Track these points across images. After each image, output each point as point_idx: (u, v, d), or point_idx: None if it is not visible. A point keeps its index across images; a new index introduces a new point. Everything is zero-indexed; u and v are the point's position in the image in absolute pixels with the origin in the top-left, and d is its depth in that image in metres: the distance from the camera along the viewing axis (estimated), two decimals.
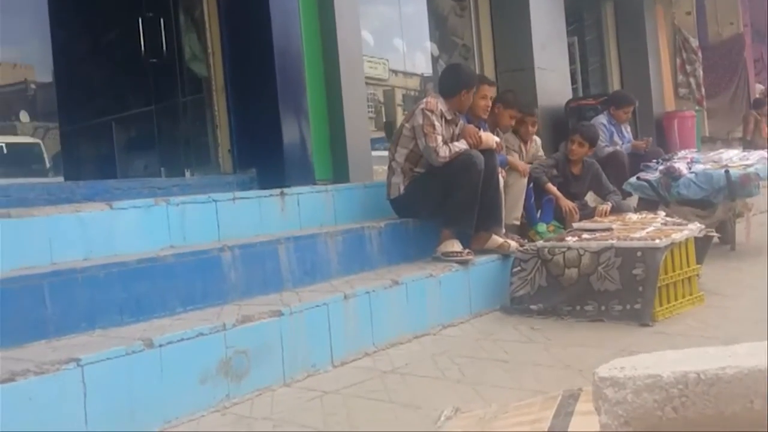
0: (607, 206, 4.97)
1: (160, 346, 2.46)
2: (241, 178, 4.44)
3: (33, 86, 6.34)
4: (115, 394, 2.31)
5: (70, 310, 2.60)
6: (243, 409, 2.59)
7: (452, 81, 4.30)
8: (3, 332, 2.40)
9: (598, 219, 4.64)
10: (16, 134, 6.27)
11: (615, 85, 8.95)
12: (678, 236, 3.74)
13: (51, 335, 2.52)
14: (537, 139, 5.69)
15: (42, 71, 6.05)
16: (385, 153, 5.84)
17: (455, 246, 3.97)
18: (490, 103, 4.73)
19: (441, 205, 4.06)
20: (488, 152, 4.10)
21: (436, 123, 4.05)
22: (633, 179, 5.49)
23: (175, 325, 2.70)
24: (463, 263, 3.89)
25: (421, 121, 4.07)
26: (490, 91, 4.80)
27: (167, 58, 5.12)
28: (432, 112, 4.08)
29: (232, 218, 3.64)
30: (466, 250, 3.96)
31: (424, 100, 4.24)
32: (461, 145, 4.04)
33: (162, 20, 5.10)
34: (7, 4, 4.62)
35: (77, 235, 2.99)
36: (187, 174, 4.71)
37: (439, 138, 4.03)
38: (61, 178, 4.29)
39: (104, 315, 2.69)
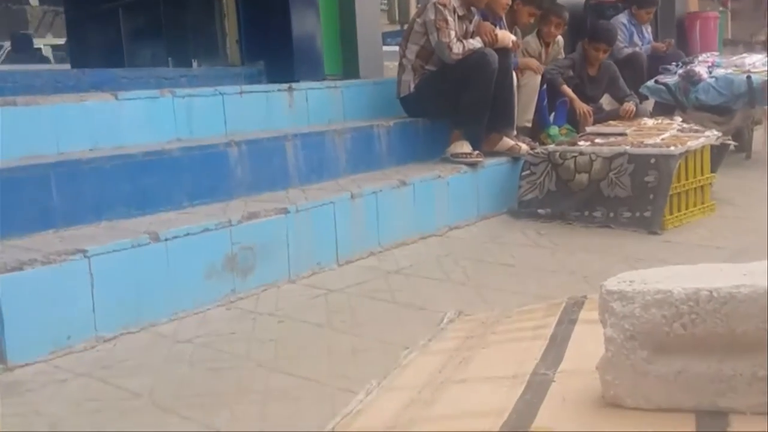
0: (632, 106, 4.84)
1: (166, 240, 2.46)
2: (248, 71, 4.33)
3: None
4: (121, 286, 2.34)
5: (77, 201, 2.59)
6: (248, 304, 2.62)
7: None
8: (11, 221, 2.41)
9: (614, 123, 4.54)
10: (26, 18, 6.10)
11: None
12: (694, 144, 3.67)
13: (58, 225, 2.53)
14: (560, 40, 5.47)
15: None
16: (397, 48, 5.71)
17: (465, 147, 3.91)
18: (509, 1, 4.54)
19: (452, 104, 3.96)
20: (503, 51, 3.97)
21: (449, 18, 3.91)
22: (650, 82, 5.35)
23: (182, 219, 2.70)
24: (473, 165, 3.84)
25: (433, 17, 3.93)
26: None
27: None
28: (445, 6, 3.93)
29: (240, 112, 3.57)
30: (476, 152, 3.90)
31: None
32: (476, 43, 3.90)
33: None
34: None
35: (83, 125, 2.94)
36: (195, 64, 4.60)
37: (452, 33, 3.89)
38: (68, 66, 4.20)
39: (111, 207, 2.68)
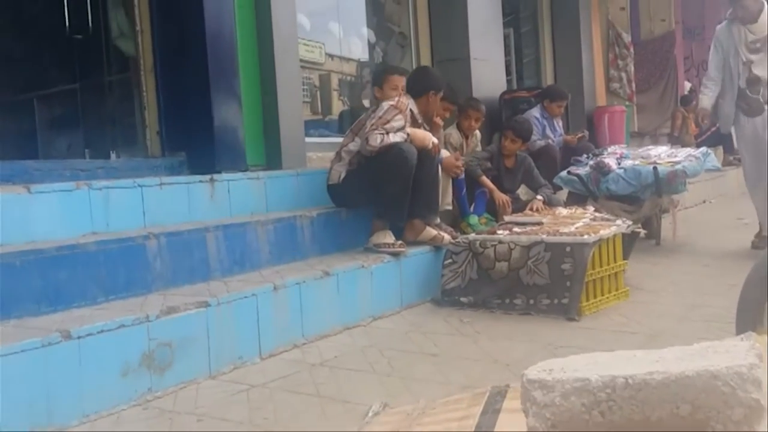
0: (540, 203, 5.02)
1: (79, 337, 2.36)
2: (169, 162, 4.30)
3: None
4: (30, 388, 2.21)
5: None
6: (166, 403, 2.51)
7: (421, 81, 4.33)
8: None
9: (530, 213, 4.70)
10: None
11: (549, 77, 9.08)
12: (606, 232, 3.82)
13: None
14: (477, 134, 5.72)
15: None
16: (320, 139, 5.80)
17: (387, 237, 3.95)
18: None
19: (374, 195, 4.03)
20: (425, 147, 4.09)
21: (394, 123, 4.01)
22: (564, 173, 5.59)
23: (96, 315, 2.60)
24: (395, 255, 3.88)
25: (381, 114, 4.04)
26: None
27: (93, 34, 4.91)
28: (400, 111, 4.05)
29: (159, 204, 3.52)
30: (399, 242, 3.95)
31: (396, 98, 4.20)
32: (395, 138, 4.00)
33: None
34: None
35: None
36: (113, 156, 4.53)
37: (380, 131, 3.98)
38: None
39: (20, 304, 2.57)
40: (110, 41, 4.82)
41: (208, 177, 3.86)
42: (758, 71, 5.01)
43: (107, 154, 4.59)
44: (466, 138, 5.57)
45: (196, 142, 4.32)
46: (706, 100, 5.26)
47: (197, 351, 2.73)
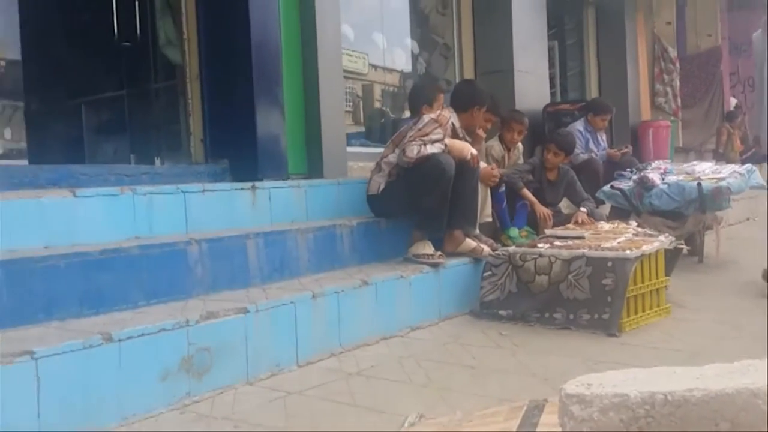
0: (584, 215, 4.95)
1: (120, 340, 2.39)
2: (212, 169, 4.36)
3: (2, 63, 6.17)
4: (70, 389, 2.24)
5: (27, 300, 2.51)
6: (203, 408, 2.53)
7: (465, 96, 4.32)
8: None
9: (572, 226, 4.64)
10: None
11: (593, 91, 8.99)
12: (648, 248, 3.75)
13: (6, 326, 2.43)
14: (520, 147, 5.68)
15: (11, 49, 5.88)
16: (361, 149, 5.83)
17: (427, 248, 3.93)
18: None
19: (413, 206, 4.02)
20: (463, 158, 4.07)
21: (432, 136, 3.99)
22: (606, 187, 5.52)
23: (137, 319, 2.63)
24: (434, 266, 3.86)
25: (420, 126, 4.04)
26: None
27: (141, 42, 5.01)
28: (440, 124, 4.04)
29: (201, 210, 3.56)
30: (438, 253, 3.93)
31: (438, 111, 4.19)
32: (432, 149, 3.97)
33: (137, 2, 4.99)
34: None
35: (38, 222, 2.90)
36: (157, 162, 4.62)
37: (418, 143, 3.98)
38: (25, 161, 4.18)
39: (63, 306, 2.61)
40: (157, 49, 4.91)
41: (249, 184, 3.90)
42: None
43: (152, 159, 4.68)
44: (508, 150, 5.54)
45: (238, 149, 4.37)
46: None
47: (235, 357, 2.75)
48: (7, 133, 5.65)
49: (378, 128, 7.24)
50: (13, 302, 2.46)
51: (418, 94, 4.94)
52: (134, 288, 2.84)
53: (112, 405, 2.34)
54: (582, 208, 5.06)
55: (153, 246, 3.01)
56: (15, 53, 5.80)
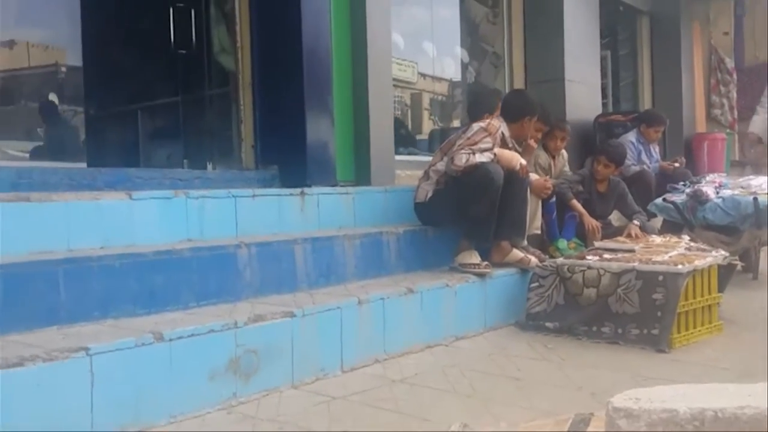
0: (637, 228, 4.86)
1: (171, 340, 2.44)
2: (262, 175, 4.43)
3: (63, 69, 6.36)
4: (121, 386, 2.30)
5: (83, 298, 2.59)
6: (249, 409, 2.56)
7: (517, 106, 4.30)
8: (15, 316, 2.41)
9: (622, 239, 4.56)
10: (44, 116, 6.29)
11: (646, 102, 8.85)
12: (701, 263, 3.67)
13: (62, 322, 2.52)
14: (564, 154, 5.62)
15: (72, 55, 6.07)
16: (409, 157, 5.84)
17: (473, 257, 3.92)
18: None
19: (460, 215, 4.01)
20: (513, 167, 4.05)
21: (482, 145, 3.98)
22: (659, 200, 5.41)
23: (187, 319, 2.68)
24: (481, 275, 3.84)
25: (470, 135, 4.04)
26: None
27: (196, 49, 5.11)
28: (490, 133, 4.03)
29: (251, 215, 3.62)
30: (484, 263, 3.91)
31: (487, 120, 4.18)
32: (481, 158, 3.95)
33: (192, 11, 5.10)
34: None
35: (95, 222, 2.98)
36: (209, 167, 4.70)
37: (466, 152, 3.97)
38: (84, 164, 4.30)
39: (117, 305, 2.68)
40: (212, 57, 5.01)
41: (298, 190, 3.95)
42: None
43: (204, 165, 4.77)
44: (553, 158, 5.48)
45: (288, 156, 4.43)
46: (755, 123, 4.61)
47: (281, 360, 2.78)
48: (66, 137, 5.83)
49: (426, 137, 7.25)
50: (70, 299, 2.55)
51: (480, 103, 4.90)
52: (185, 289, 2.90)
53: (162, 403, 2.39)
54: (635, 221, 4.97)
55: (204, 249, 3.08)
56: (76, 60, 5.99)
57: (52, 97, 6.34)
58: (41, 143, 5.67)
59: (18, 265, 2.49)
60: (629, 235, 4.71)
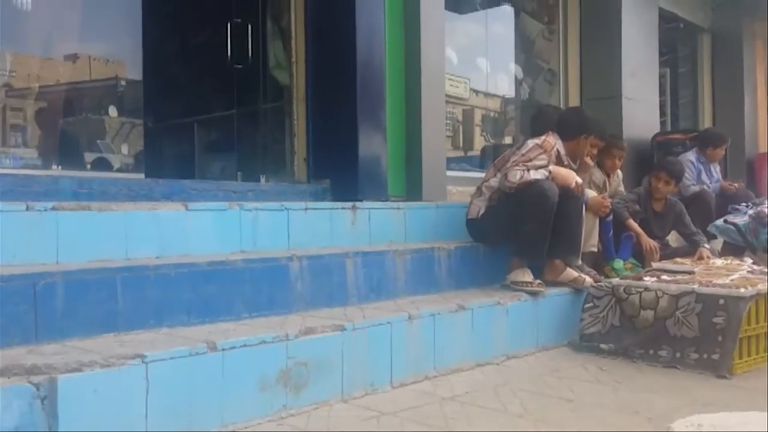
0: (708, 251, 4.72)
1: (223, 350, 2.46)
2: (314, 188, 4.45)
3: (123, 83, 6.53)
4: (175, 393, 2.32)
5: (140, 307, 2.63)
6: (299, 422, 2.56)
7: (574, 123, 4.24)
8: (75, 322, 2.46)
9: (680, 260, 4.44)
10: (104, 128, 6.46)
11: (706, 120, 8.64)
12: (764, 287, 3.54)
13: (119, 329, 2.56)
14: (619, 173, 5.51)
15: (132, 69, 6.23)
16: (460, 173, 5.81)
17: (526, 276, 3.86)
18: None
19: (513, 232, 3.95)
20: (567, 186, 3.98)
21: (536, 162, 3.94)
22: (719, 222, 5.27)
23: (239, 330, 2.70)
24: (533, 294, 3.78)
25: (524, 152, 4.00)
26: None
27: (252, 64, 5.19)
28: (545, 150, 3.99)
29: (303, 228, 3.64)
30: (537, 281, 3.85)
31: (543, 137, 4.13)
32: (536, 175, 3.90)
33: (249, 26, 5.18)
34: (102, 1, 4.78)
35: (152, 232, 3.04)
36: (262, 180, 4.75)
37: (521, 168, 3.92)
38: (141, 175, 4.39)
39: (172, 314, 2.71)
40: (267, 71, 5.08)
41: (350, 204, 3.95)
42: None
43: (257, 177, 4.83)
44: (608, 176, 5.38)
45: (340, 170, 4.45)
46: None
47: (332, 373, 2.77)
48: (125, 149, 5.97)
49: (478, 153, 7.21)
50: (127, 307, 2.59)
51: (543, 119, 4.84)
52: (238, 300, 2.92)
53: (214, 411, 2.40)
54: (705, 245, 4.84)
55: (256, 260, 3.10)
56: (135, 73, 6.14)
57: (112, 109, 6.51)
58: (101, 154, 5.81)
59: (79, 272, 2.54)
60: (700, 258, 4.58)
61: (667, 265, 4.20)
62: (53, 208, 2.80)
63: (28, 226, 2.71)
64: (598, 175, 5.31)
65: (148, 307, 2.65)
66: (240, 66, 5.32)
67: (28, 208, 2.74)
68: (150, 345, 2.38)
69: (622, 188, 5.51)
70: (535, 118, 5.03)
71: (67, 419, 2.04)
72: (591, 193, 4.59)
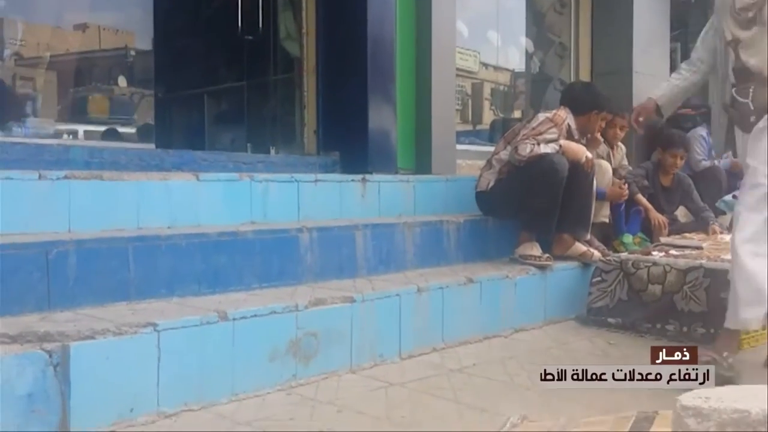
0: (718, 227, 4.73)
1: (234, 319, 2.48)
2: (324, 160, 4.46)
3: (132, 53, 6.52)
4: (187, 362, 2.34)
5: (152, 276, 2.65)
6: (308, 391, 2.59)
7: (586, 99, 4.23)
8: (88, 290, 2.48)
9: (689, 235, 4.44)
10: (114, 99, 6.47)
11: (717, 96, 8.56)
12: None
13: (132, 298, 2.58)
14: (621, 146, 5.48)
15: (142, 39, 6.22)
16: (470, 147, 5.80)
17: (534, 249, 3.87)
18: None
19: (522, 206, 3.96)
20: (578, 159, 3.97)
21: (547, 136, 3.92)
22: (729, 197, 5.25)
23: (250, 300, 2.72)
24: (541, 268, 3.79)
25: (535, 125, 3.98)
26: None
27: (262, 35, 5.18)
28: (555, 124, 3.97)
29: (313, 200, 3.65)
30: (545, 255, 3.86)
31: (554, 111, 4.11)
32: (546, 149, 3.88)
33: None
34: None
35: (163, 202, 3.06)
36: (272, 151, 4.77)
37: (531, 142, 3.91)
38: (152, 145, 4.41)
39: (183, 283, 2.73)
40: (278, 43, 5.07)
41: (360, 177, 3.96)
42: (747, 57, 3.02)
43: (267, 149, 4.84)
44: (612, 148, 5.36)
45: (350, 142, 4.45)
46: (660, 88, 3.65)
47: (341, 344, 2.80)
48: (135, 118, 5.99)
49: (487, 127, 7.19)
50: (139, 276, 2.61)
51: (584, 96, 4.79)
52: (248, 270, 2.94)
53: (224, 381, 2.43)
54: (713, 222, 4.85)
55: (266, 231, 3.11)
56: (145, 44, 6.14)
57: (122, 79, 6.52)
58: (111, 125, 5.84)
59: (91, 241, 2.56)
60: (714, 231, 4.59)
61: (675, 240, 4.20)
62: (65, 177, 2.81)
63: (40, 195, 2.73)
64: (602, 147, 5.28)
65: (160, 276, 2.68)
66: (250, 37, 5.31)
67: (40, 177, 2.75)
68: (161, 314, 2.41)
69: (625, 161, 5.49)
70: (566, 92, 4.96)
71: (80, 386, 2.07)
72: (608, 172, 4.60)
